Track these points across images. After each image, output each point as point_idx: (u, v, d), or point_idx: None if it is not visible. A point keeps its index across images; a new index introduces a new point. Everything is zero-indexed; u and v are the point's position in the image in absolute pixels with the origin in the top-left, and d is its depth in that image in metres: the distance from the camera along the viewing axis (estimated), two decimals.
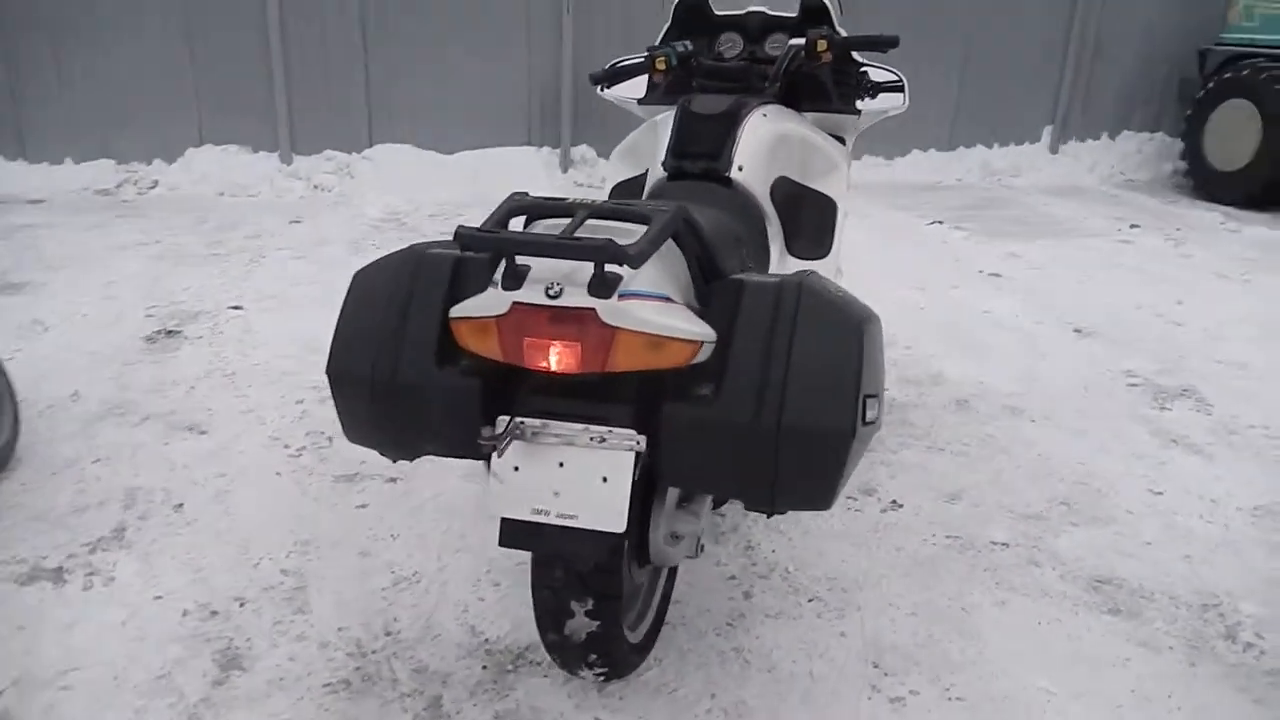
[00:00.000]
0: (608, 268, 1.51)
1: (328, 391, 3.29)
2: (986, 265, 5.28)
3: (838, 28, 2.78)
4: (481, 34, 7.03)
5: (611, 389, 1.63)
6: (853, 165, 2.85)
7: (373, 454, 1.83)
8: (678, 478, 1.72)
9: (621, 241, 1.45)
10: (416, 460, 1.82)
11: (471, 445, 1.67)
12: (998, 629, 2.21)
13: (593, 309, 1.51)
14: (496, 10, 7.01)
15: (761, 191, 2.40)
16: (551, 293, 1.52)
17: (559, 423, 1.62)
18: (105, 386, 3.38)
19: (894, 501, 2.74)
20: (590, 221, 1.58)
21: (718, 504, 2.07)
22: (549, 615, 1.79)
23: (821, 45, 2.59)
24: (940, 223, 6.26)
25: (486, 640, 2.13)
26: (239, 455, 2.92)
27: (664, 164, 2.37)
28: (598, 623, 1.76)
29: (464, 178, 6.83)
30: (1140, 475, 2.94)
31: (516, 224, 1.65)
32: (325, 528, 2.55)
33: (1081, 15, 7.93)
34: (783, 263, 2.48)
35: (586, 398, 1.63)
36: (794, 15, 2.88)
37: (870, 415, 1.58)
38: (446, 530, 2.54)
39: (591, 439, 1.61)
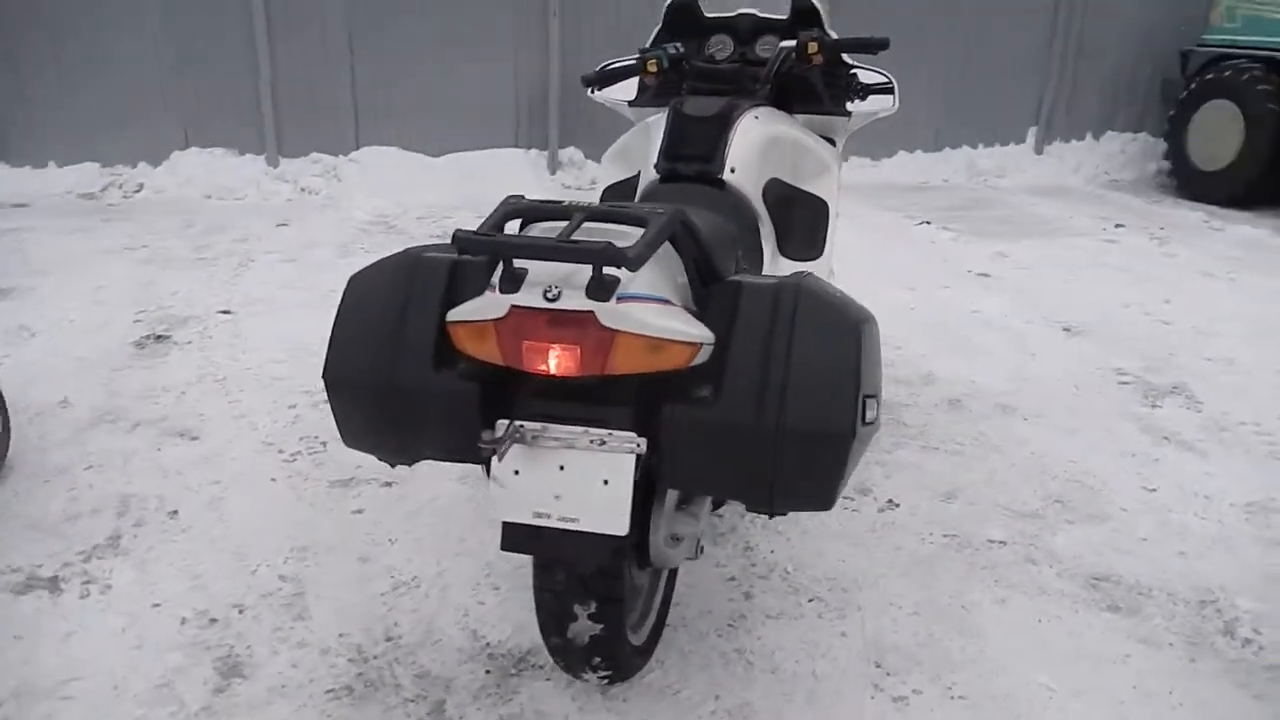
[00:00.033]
0: (606, 270, 1.50)
1: (320, 396, 3.32)
2: (975, 265, 5.31)
3: (828, 30, 2.79)
4: (468, 36, 7.01)
5: (610, 391, 1.63)
6: (842, 166, 2.86)
7: (368, 459, 1.82)
8: (678, 480, 1.72)
9: (619, 244, 1.45)
10: (398, 464, 1.81)
11: (470, 449, 1.67)
12: (998, 627, 2.22)
13: (591, 312, 1.51)
14: (483, 12, 7.00)
15: (754, 193, 2.41)
16: (550, 296, 1.52)
17: (559, 426, 1.62)
18: (95, 393, 3.35)
19: (890, 501, 2.75)
20: (587, 224, 1.58)
21: (716, 505, 2.07)
22: (552, 619, 1.79)
23: (812, 47, 2.60)
24: (928, 223, 6.28)
25: (488, 644, 2.12)
26: (232, 461, 2.90)
27: (656, 166, 2.36)
28: (601, 625, 1.76)
29: (452, 180, 6.82)
30: (1133, 473, 2.96)
31: (512, 227, 1.65)
32: (322, 533, 2.53)
33: (1065, 16, 7.99)
34: (775, 264, 2.48)
35: (586, 400, 1.63)
36: (784, 17, 2.89)
37: (869, 415, 1.59)
38: (444, 534, 2.53)
39: (591, 442, 1.61)
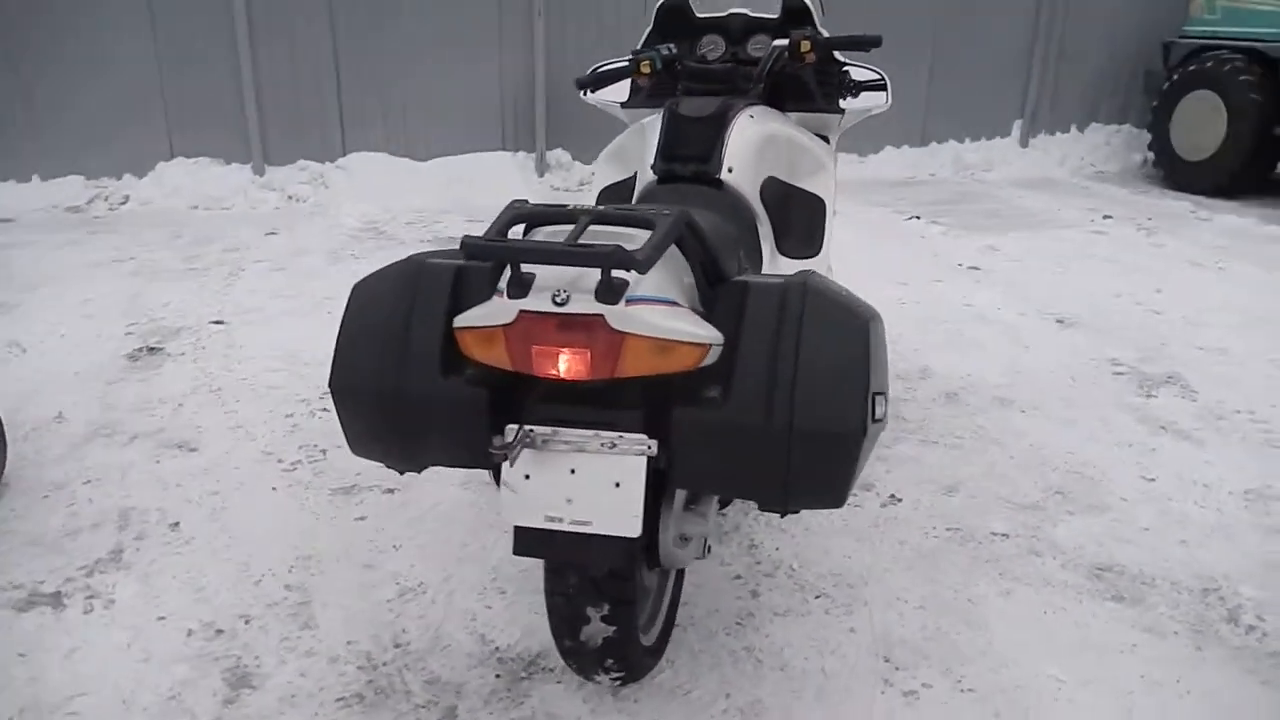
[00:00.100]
0: (614, 273, 1.50)
1: (317, 405, 3.32)
2: (965, 259, 5.33)
3: (820, 28, 2.80)
4: (453, 39, 6.99)
5: (619, 394, 1.63)
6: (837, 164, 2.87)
7: (368, 465, 1.83)
8: (689, 480, 1.72)
9: (628, 247, 1.45)
10: (406, 471, 1.81)
11: (480, 455, 1.67)
12: (1004, 619, 2.23)
13: (601, 315, 1.51)
14: (468, 15, 6.99)
15: (751, 192, 2.41)
16: (558, 300, 1.52)
17: (569, 429, 1.62)
18: (90, 407, 3.33)
19: (893, 496, 2.76)
20: (593, 227, 1.58)
21: (723, 504, 2.08)
22: (564, 622, 1.78)
23: (805, 46, 2.61)
24: (917, 218, 6.31)
25: (497, 648, 2.12)
26: (232, 471, 2.89)
27: (653, 167, 2.37)
28: (614, 628, 1.75)
29: (440, 184, 6.80)
30: (1132, 462, 2.97)
31: (515, 232, 1.64)
32: (325, 541, 2.52)
33: (1047, 9, 8.04)
34: (774, 263, 2.49)
35: (595, 403, 1.63)
36: (775, 16, 2.90)
37: (879, 413, 1.59)
38: (448, 540, 2.53)
39: (602, 445, 1.61)
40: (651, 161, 2.37)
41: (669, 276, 1.62)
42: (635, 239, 1.52)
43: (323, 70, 6.85)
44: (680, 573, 2.16)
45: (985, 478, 2.87)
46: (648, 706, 1.96)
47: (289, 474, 2.87)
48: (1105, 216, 6.41)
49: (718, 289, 1.69)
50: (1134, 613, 2.26)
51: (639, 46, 2.87)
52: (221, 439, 3.10)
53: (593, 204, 2.10)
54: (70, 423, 3.21)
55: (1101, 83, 8.40)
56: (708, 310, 1.66)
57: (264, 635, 2.16)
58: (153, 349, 3.89)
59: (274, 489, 2.79)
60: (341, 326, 1.75)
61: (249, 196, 6.57)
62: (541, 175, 7.30)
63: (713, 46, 2.94)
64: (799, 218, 2.58)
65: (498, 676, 2.03)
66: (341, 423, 1.76)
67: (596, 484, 1.61)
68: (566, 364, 1.54)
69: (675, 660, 2.08)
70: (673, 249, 1.62)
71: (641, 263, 1.46)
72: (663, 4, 2.94)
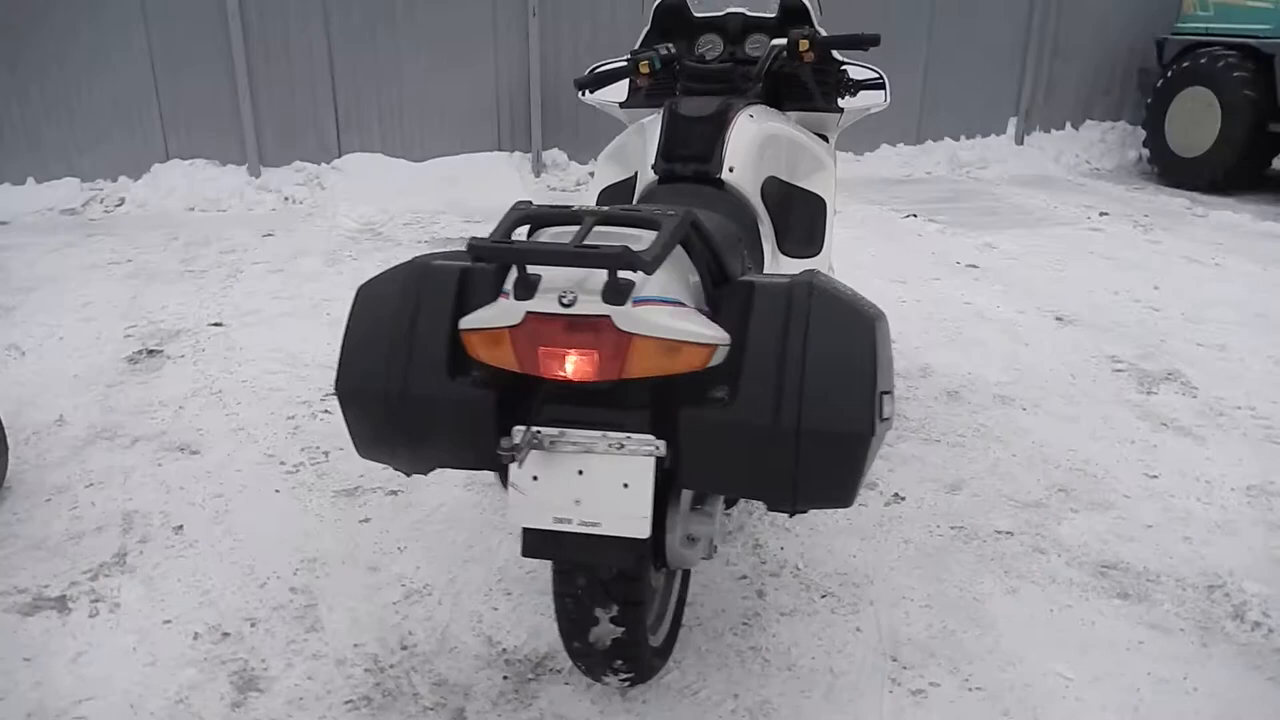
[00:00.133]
0: (620, 274, 1.50)
1: (318, 406, 3.32)
2: (963, 256, 5.34)
3: (818, 27, 2.80)
4: (447, 39, 6.99)
5: (626, 395, 1.63)
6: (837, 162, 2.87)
7: (372, 468, 1.82)
8: (697, 481, 1.72)
9: (634, 248, 1.45)
10: (414, 473, 1.81)
11: (487, 457, 1.67)
12: (1011, 617, 2.23)
13: (608, 316, 1.51)
14: (462, 15, 6.98)
15: (752, 192, 2.41)
16: (565, 301, 1.51)
17: (577, 430, 1.62)
18: (91, 410, 3.32)
19: (896, 494, 2.76)
20: (598, 228, 1.58)
21: (728, 504, 2.08)
22: (573, 623, 1.78)
23: (804, 45, 2.61)
24: (914, 216, 6.31)
25: (505, 650, 2.11)
26: (235, 474, 2.88)
27: (654, 167, 2.37)
28: (622, 629, 1.75)
29: (436, 185, 6.79)
30: (1134, 459, 2.98)
31: (520, 234, 1.64)
32: (330, 544, 2.52)
33: (1041, 7, 8.06)
34: (775, 263, 2.49)
35: (603, 404, 1.63)
36: (773, 15, 2.90)
37: (886, 412, 1.59)
38: (453, 541, 2.52)
39: (610, 445, 1.61)
40: (652, 161, 2.37)
41: (675, 277, 1.62)
42: (641, 240, 1.51)
43: (318, 71, 6.84)
44: (686, 573, 2.16)
45: (988, 476, 2.87)
46: (656, 707, 1.96)
47: (292, 476, 2.87)
48: (1102, 213, 6.43)
49: (722, 289, 1.69)
50: (1140, 610, 2.26)
51: (637, 46, 2.87)
52: (223, 441, 3.09)
53: (593, 204, 2.10)
54: (71, 426, 3.20)
55: (1096, 80, 8.42)
56: (713, 310, 1.66)
57: (270, 638, 2.16)
58: (152, 351, 3.88)
59: (277, 491, 2.79)
60: (347, 329, 1.75)
61: (245, 198, 6.56)
62: (538, 175, 7.29)
63: (710, 46, 2.95)
64: (800, 217, 2.58)
65: (505, 678, 2.03)
66: (348, 426, 1.76)
67: (605, 485, 1.61)
68: (574, 365, 1.54)
69: (682, 660, 2.08)
70: (678, 249, 1.62)
71: (649, 263, 1.46)
72: (660, 3, 2.94)
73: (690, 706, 1.96)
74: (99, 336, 4.03)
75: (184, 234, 5.83)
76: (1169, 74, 7.43)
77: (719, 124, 2.35)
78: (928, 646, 2.14)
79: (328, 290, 4.65)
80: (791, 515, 1.71)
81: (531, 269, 1.55)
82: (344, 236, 5.79)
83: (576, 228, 1.56)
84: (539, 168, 7.33)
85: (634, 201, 2.43)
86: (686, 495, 1.82)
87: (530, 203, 1.68)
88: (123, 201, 6.47)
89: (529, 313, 1.54)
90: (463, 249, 1.58)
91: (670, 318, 1.55)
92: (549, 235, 1.65)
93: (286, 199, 6.63)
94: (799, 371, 1.55)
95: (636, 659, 1.83)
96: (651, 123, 2.49)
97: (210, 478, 2.86)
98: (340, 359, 1.73)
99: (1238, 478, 2.87)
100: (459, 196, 6.63)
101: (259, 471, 2.90)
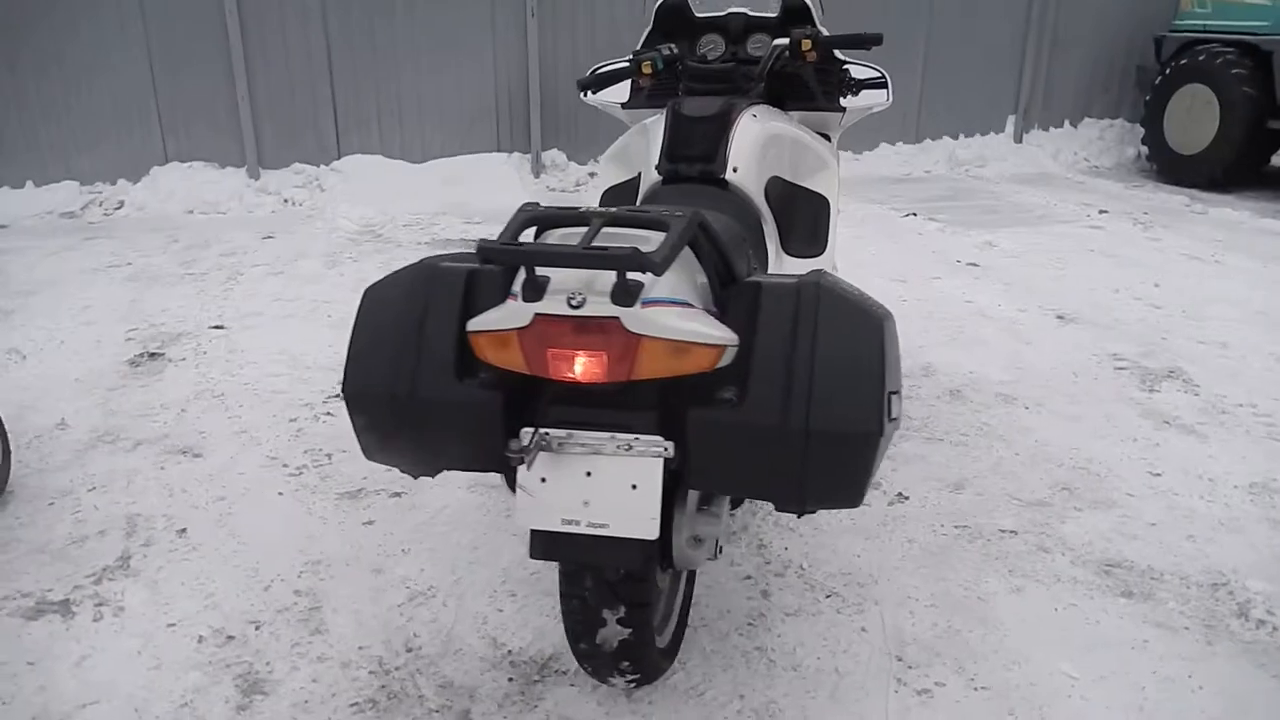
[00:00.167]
0: (629, 275, 1.50)
1: (321, 409, 3.32)
2: (964, 255, 5.34)
3: (819, 26, 2.80)
4: (446, 40, 7.00)
5: (634, 396, 1.63)
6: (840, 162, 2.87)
7: (375, 470, 1.82)
8: (705, 481, 1.71)
9: (643, 249, 1.45)
10: (420, 475, 1.81)
11: (494, 458, 1.66)
12: (1015, 616, 2.23)
13: (617, 318, 1.51)
14: (460, 15, 6.98)
15: (756, 192, 2.41)
16: (574, 303, 1.51)
17: (585, 432, 1.62)
18: (92, 414, 3.32)
19: (900, 494, 2.76)
20: (606, 230, 1.58)
21: (733, 505, 2.07)
22: (580, 625, 1.78)
23: (806, 44, 2.60)
24: (914, 214, 6.32)
25: (510, 652, 2.11)
26: (238, 477, 2.88)
27: (658, 167, 2.36)
28: (630, 630, 1.75)
29: (436, 186, 6.80)
30: (1137, 458, 2.98)
31: (527, 235, 1.64)
32: (334, 546, 2.52)
33: (1039, 4, 8.06)
34: (779, 263, 2.49)
35: (611, 406, 1.63)
36: (775, 15, 2.90)
37: (894, 412, 1.59)
38: (457, 543, 2.52)
39: (618, 447, 1.61)
40: (656, 162, 2.36)
41: (683, 278, 1.62)
42: (649, 241, 1.51)
43: (316, 73, 6.84)
44: (692, 573, 2.16)
45: (992, 475, 2.87)
46: (662, 708, 1.95)
47: (295, 479, 2.87)
48: (1101, 211, 6.43)
49: (730, 290, 1.68)
50: (1144, 608, 2.26)
51: (639, 47, 2.87)
52: (226, 444, 3.09)
53: (596, 205, 2.10)
54: (73, 429, 3.20)
55: (1094, 78, 8.43)
56: (721, 311, 1.66)
57: (275, 641, 2.15)
58: (153, 354, 3.87)
59: (280, 494, 2.78)
60: (354, 331, 1.74)
61: (244, 200, 6.56)
62: (537, 176, 7.29)
63: (712, 46, 2.94)
64: (803, 217, 2.58)
65: (511, 680, 2.03)
66: (354, 428, 1.76)
67: (613, 486, 1.61)
68: (583, 367, 1.54)
69: (688, 661, 2.07)
70: (685, 250, 1.62)
71: (658, 265, 1.45)
72: (662, 3, 2.94)
73: (696, 707, 1.96)
74: (100, 340, 4.03)
75: (184, 237, 5.82)
76: (1167, 71, 7.43)
77: (722, 124, 2.35)
78: (933, 646, 2.13)
79: (328, 292, 4.65)
80: (800, 516, 1.71)
81: (540, 271, 1.55)
82: (344, 238, 5.79)
83: (584, 229, 1.56)
84: (538, 168, 7.33)
85: (638, 202, 2.43)
86: (693, 496, 1.81)
87: (538, 204, 1.68)
88: (122, 204, 6.47)
89: (538, 314, 1.53)
90: (469, 251, 1.58)
91: (679, 319, 1.55)
92: (557, 237, 1.65)
93: (286, 201, 6.63)
94: (807, 372, 1.55)
95: (643, 660, 1.83)
96: (654, 123, 2.49)
97: (213, 480, 2.86)
98: (347, 361, 1.73)
99: (1241, 475, 2.87)
100: (458, 198, 6.63)
101: (262, 474, 2.90)
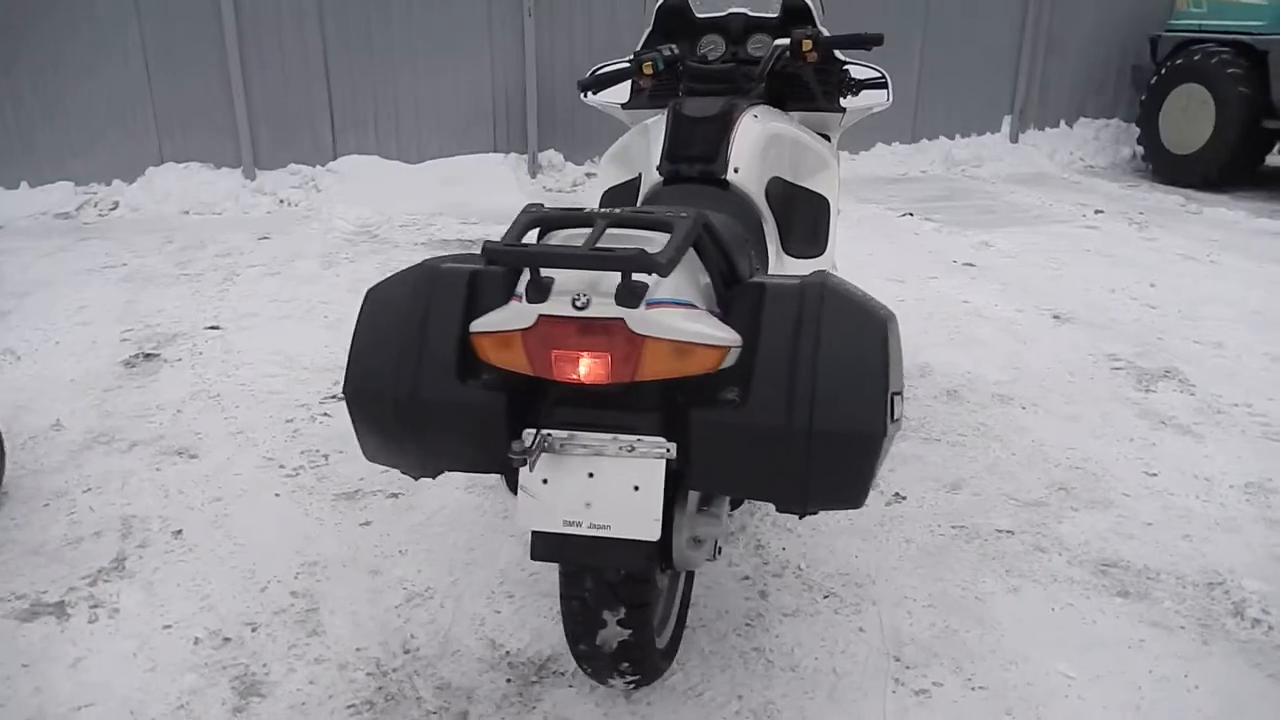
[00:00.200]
0: (634, 276, 1.50)
1: (317, 410, 3.31)
2: (960, 255, 5.34)
3: (820, 27, 2.80)
4: (443, 40, 6.99)
5: (637, 397, 1.63)
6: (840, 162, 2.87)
7: (371, 470, 1.81)
8: (708, 482, 1.71)
9: (647, 250, 1.45)
10: (421, 476, 1.80)
11: (496, 460, 1.66)
12: (1012, 616, 2.23)
13: (621, 319, 1.51)
14: (457, 15, 6.98)
15: (757, 192, 2.41)
16: (578, 304, 1.51)
17: (587, 433, 1.62)
18: (87, 415, 3.31)
19: (897, 494, 2.76)
20: (610, 231, 1.57)
21: (733, 506, 2.07)
22: (580, 626, 1.78)
23: (807, 45, 2.61)
24: (910, 214, 6.32)
25: (507, 653, 2.11)
26: (234, 478, 2.87)
27: (659, 168, 2.36)
28: (630, 631, 1.75)
29: (432, 186, 6.79)
30: (1133, 457, 2.98)
31: (531, 237, 1.64)
32: (331, 547, 2.51)
33: (1035, 5, 8.06)
34: (780, 263, 2.49)
35: (613, 407, 1.63)
36: (775, 15, 2.90)
37: (897, 413, 1.59)
38: (454, 544, 2.52)
39: (620, 448, 1.61)
40: (657, 163, 2.36)
41: (687, 279, 1.62)
42: (654, 242, 1.51)
43: (313, 73, 6.83)
44: (690, 574, 2.16)
45: (989, 475, 2.87)
46: (660, 709, 1.95)
47: (291, 479, 2.86)
48: (1097, 211, 6.44)
49: (733, 290, 1.68)
50: (1140, 608, 2.26)
51: (639, 47, 2.87)
52: (222, 445, 3.08)
53: (596, 206, 2.09)
54: (68, 430, 3.19)
55: (1090, 77, 8.44)
56: (724, 312, 1.66)
57: (272, 643, 2.15)
58: (149, 355, 3.86)
59: (277, 495, 2.78)
60: (356, 332, 1.74)
61: (240, 201, 6.55)
62: (534, 176, 7.29)
63: (713, 46, 2.95)
64: (804, 217, 2.58)
65: (509, 681, 2.03)
66: (355, 429, 1.75)
67: (615, 487, 1.61)
68: (587, 368, 1.54)
69: (686, 662, 2.07)
70: (689, 251, 1.62)
71: (664, 266, 1.45)
72: (663, 4, 2.94)
73: (694, 708, 1.96)
74: (95, 341, 4.02)
75: (179, 237, 5.81)
76: (1162, 71, 7.44)
77: (723, 124, 2.35)
78: (930, 646, 2.14)
79: (325, 293, 4.64)
80: (801, 517, 1.70)
81: (544, 272, 1.55)
82: (340, 239, 5.78)
83: (588, 230, 1.56)
84: (535, 169, 7.33)
85: (639, 203, 2.43)
86: (693, 497, 1.81)
87: (542, 206, 1.68)
88: (117, 205, 6.45)
89: (541, 316, 1.53)
90: (471, 252, 1.57)
91: (683, 320, 1.55)
92: (560, 238, 1.64)
93: (282, 202, 6.62)
94: (811, 373, 1.55)
95: (643, 661, 1.83)
96: (655, 124, 2.49)
97: (209, 481, 2.85)
98: (349, 362, 1.72)
99: (1237, 475, 2.88)
100: (455, 198, 6.63)
101: (258, 475, 2.89)
